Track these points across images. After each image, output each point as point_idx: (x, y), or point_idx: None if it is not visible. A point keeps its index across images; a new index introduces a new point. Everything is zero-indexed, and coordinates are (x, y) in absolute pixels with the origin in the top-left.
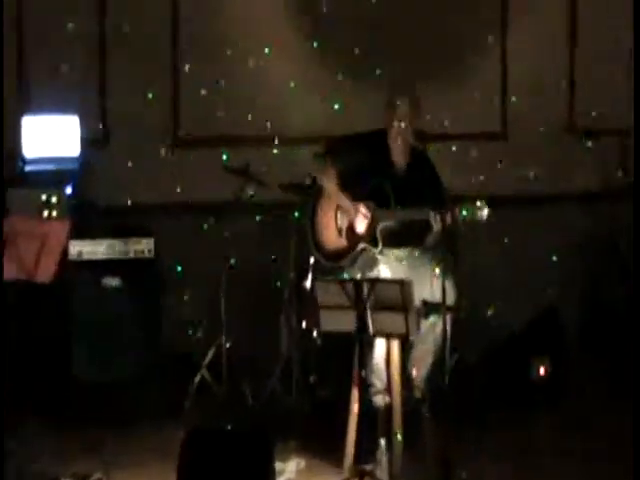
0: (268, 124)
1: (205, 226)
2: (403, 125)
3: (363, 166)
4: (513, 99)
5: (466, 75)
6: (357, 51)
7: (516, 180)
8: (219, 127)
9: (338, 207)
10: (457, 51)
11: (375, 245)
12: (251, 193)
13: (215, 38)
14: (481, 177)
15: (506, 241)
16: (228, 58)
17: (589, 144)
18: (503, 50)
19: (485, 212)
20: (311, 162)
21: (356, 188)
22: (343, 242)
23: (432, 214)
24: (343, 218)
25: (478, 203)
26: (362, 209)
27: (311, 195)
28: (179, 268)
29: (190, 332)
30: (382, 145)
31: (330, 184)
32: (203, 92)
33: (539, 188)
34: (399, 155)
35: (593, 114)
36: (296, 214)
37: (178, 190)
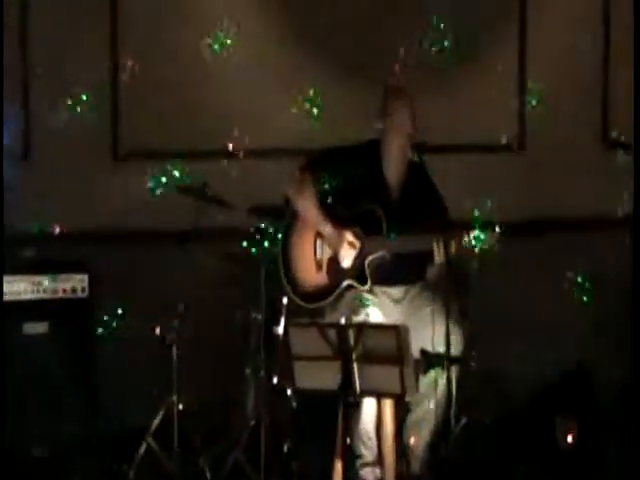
0: (232, 134)
1: (152, 259)
2: (402, 134)
3: (349, 184)
4: (532, 102)
5: (476, 73)
6: (342, 45)
7: (537, 200)
8: (169, 138)
9: (318, 234)
10: (465, 44)
11: (363, 282)
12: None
13: (162, 29)
14: (494, 197)
15: (526, 276)
16: (178, 53)
17: (623, 157)
18: (522, 42)
19: (499, 240)
20: (284, 180)
21: (340, 211)
22: (323, 278)
23: (434, 243)
24: (324, 248)
25: (492, 230)
26: (348, 237)
27: (284, 220)
28: (120, 310)
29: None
30: (373, 159)
31: (308, 206)
32: (148, 96)
33: (565, 211)
34: (394, 171)
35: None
36: (265, 244)
37: (118, 215)
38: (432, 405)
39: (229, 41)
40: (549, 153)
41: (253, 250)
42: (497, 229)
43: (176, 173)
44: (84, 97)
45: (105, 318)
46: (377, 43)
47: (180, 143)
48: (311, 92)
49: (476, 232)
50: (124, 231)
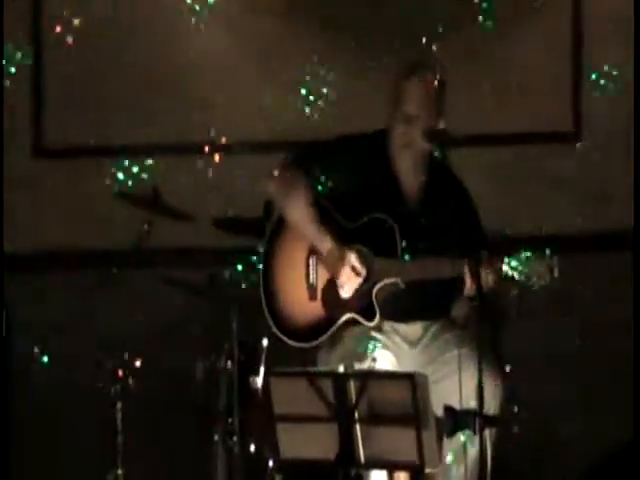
0: (198, 124)
1: (84, 288)
2: (419, 121)
3: (352, 185)
4: (593, 77)
5: (519, 41)
6: (344, 17)
7: (600, 207)
8: (110, 130)
9: (311, 252)
10: (501, 9)
11: (370, 316)
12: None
13: None
14: (544, 204)
15: (586, 311)
16: (128, 18)
17: None
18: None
19: (554, 269)
20: (266, 181)
21: (341, 223)
22: (318, 309)
23: (464, 269)
24: (318, 269)
25: (545, 256)
26: (351, 259)
27: (265, 234)
28: (45, 358)
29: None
30: (382, 155)
31: (300, 212)
32: (83, 75)
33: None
34: (409, 170)
35: None
36: (239, 267)
37: (41, 232)
38: (461, 479)
39: (197, 6)
40: (613, 143)
41: (224, 276)
42: (548, 252)
43: (120, 175)
44: None
45: (24, 364)
46: (393, 13)
47: (125, 136)
48: (307, 76)
49: (521, 255)
50: (49, 252)
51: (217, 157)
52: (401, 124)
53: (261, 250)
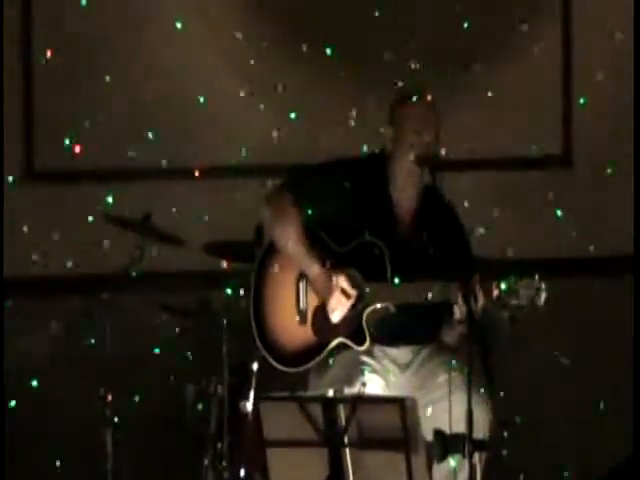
0: (188, 148)
1: (76, 313)
2: (427, 139)
3: (346, 211)
4: (581, 102)
5: (508, 69)
6: (332, 28)
7: (593, 231)
8: (98, 155)
9: (301, 276)
10: (493, 34)
11: (360, 341)
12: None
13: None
14: (534, 228)
15: (580, 336)
16: (115, 40)
17: None
18: (566, 34)
19: (543, 292)
20: (255, 204)
21: (331, 247)
22: (308, 334)
23: (455, 293)
24: (308, 294)
25: (534, 280)
26: (340, 282)
27: (256, 258)
28: (34, 382)
29: None
30: (378, 178)
31: (289, 237)
32: (72, 99)
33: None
34: (406, 194)
35: None
36: (228, 291)
37: (32, 256)
38: None
39: (179, 25)
40: (605, 169)
41: (215, 300)
42: (537, 278)
43: (109, 199)
44: None
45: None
46: (378, 31)
47: (113, 160)
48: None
49: (511, 280)
50: (38, 277)
51: (207, 181)
52: (412, 155)
53: (252, 275)
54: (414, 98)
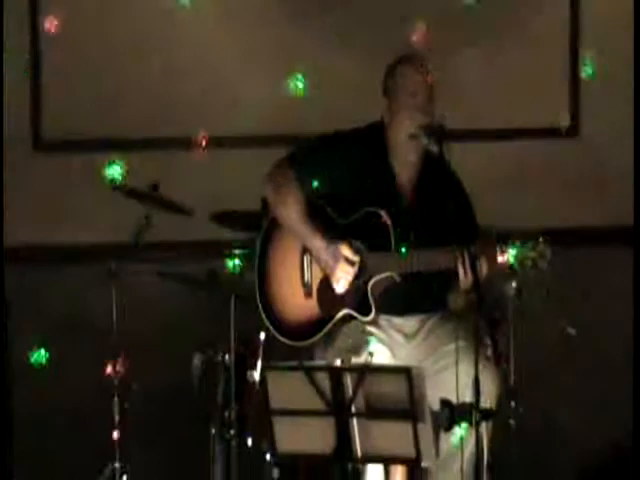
0: (194, 118)
1: (81, 281)
2: (414, 115)
3: (345, 182)
4: (588, 70)
5: (512, 35)
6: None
7: (597, 200)
8: (105, 124)
9: (305, 250)
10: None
11: (366, 311)
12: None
13: None
14: (539, 197)
15: (587, 303)
16: (118, 13)
17: None
18: (573, 3)
19: (548, 256)
20: (260, 177)
21: (335, 218)
22: (313, 307)
23: (459, 260)
24: (313, 268)
25: (538, 243)
26: (343, 250)
27: (261, 230)
28: (43, 352)
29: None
30: (376, 148)
31: (291, 212)
32: (79, 69)
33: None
34: (404, 164)
35: None
36: (236, 261)
37: (37, 226)
38: (457, 473)
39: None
40: (610, 139)
41: (223, 270)
42: (541, 239)
43: (116, 169)
44: None
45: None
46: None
47: (120, 129)
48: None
49: (516, 244)
50: (44, 246)
51: (214, 151)
52: (409, 122)
53: (256, 249)
54: (413, 63)
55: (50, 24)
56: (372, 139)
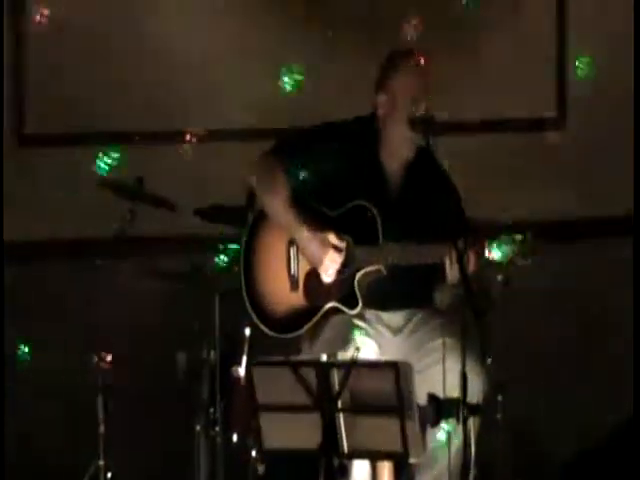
0: (180, 111)
1: (65, 277)
2: (408, 108)
3: (333, 173)
4: (580, 65)
5: (501, 26)
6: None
7: (585, 194)
8: (92, 117)
9: (292, 242)
10: None
11: (352, 304)
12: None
13: None
14: (526, 191)
15: (574, 299)
16: (103, 8)
17: None
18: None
19: (533, 250)
20: (247, 169)
21: (321, 210)
22: (300, 299)
23: (446, 255)
24: (299, 260)
25: (521, 237)
26: (330, 239)
27: (247, 224)
28: (25, 348)
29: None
30: (366, 140)
31: (277, 203)
32: (64, 62)
33: (621, 208)
34: (394, 156)
35: None
36: (222, 257)
37: (22, 221)
38: (444, 469)
39: None
40: (597, 133)
41: (207, 265)
42: (528, 236)
43: (101, 163)
44: None
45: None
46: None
47: (106, 123)
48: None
49: (503, 239)
50: (26, 241)
51: (199, 145)
52: (402, 115)
53: (242, 242)
54: (407, 56)
55: (39, 16)
56: (361, 131)
